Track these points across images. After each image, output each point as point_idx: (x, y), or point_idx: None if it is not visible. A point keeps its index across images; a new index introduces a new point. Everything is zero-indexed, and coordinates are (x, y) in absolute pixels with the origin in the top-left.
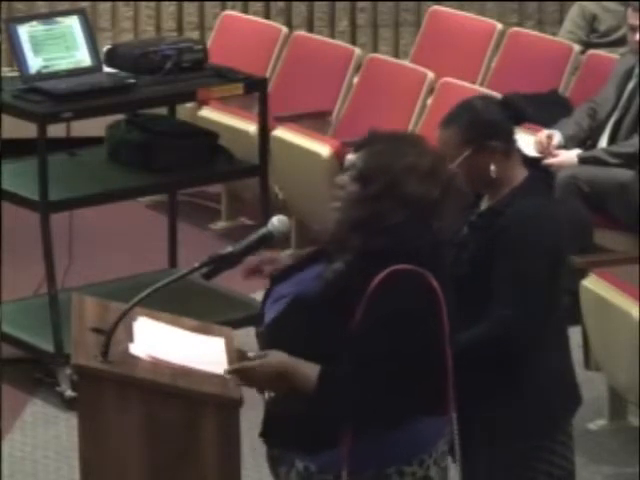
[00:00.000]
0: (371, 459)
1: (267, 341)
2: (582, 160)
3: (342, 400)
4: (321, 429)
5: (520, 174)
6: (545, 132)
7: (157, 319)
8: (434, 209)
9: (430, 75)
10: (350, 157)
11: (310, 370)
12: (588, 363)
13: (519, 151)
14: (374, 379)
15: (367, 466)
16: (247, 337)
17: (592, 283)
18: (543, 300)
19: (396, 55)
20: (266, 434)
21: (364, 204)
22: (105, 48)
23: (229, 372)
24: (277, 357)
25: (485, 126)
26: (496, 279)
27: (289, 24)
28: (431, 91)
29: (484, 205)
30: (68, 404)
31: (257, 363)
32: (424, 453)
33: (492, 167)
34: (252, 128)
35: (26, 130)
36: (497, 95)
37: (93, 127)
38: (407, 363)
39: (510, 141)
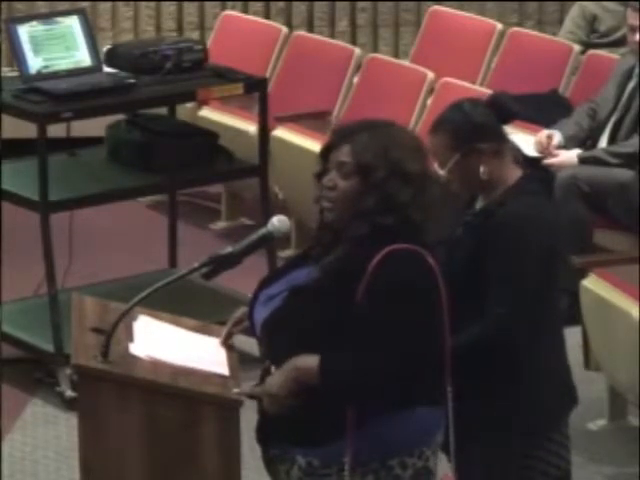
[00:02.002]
0: (375, 451)
1: (268, 335)
2: (582, 160)
3: (347, 383)
4: (324, 422)
5: (514, 174)
6: (545, 132)
7: (157, 319)
8: (429, 182)
9: (430, 75)
10: (334, 156)
11: (310, 361)
12: (588, 363)
13: (514, 150)
14: (376, 359)
15: (371, 458)
16: (247, 337)
17: (592, 283)
18: (536, 299)
19: (396, 55)
20: (263, 435)
21: (372, 192)
22: (105, 48)
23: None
24: (277, 378)
25: (472, 129)
26: (489, 278)
27: (289, 24)
28: (431, 91)
29: (479, 205)
30: (68, 404)
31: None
32: (424, 445)
33: (482, 169)
34: (252, 128)
35: (26, 130)
36: None
37: (93, 127)
38: (409, 340)
39: (500, 141)
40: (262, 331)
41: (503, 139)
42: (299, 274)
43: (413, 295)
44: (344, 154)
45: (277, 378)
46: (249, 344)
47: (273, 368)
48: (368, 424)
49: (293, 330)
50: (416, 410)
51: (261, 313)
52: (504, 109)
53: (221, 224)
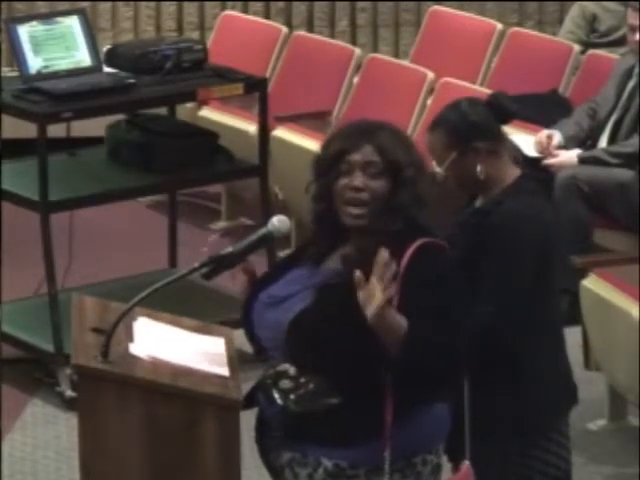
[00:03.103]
0: (403, 450)
1: (297, 336)
2: (582, 160)
3: (428, 356)
4: (354, 424)
5: (511, 173)
6: (545, 132)
7: (157, 319)
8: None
9: (430, 75)
10: (356, 157)
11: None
12: (588, 363)
13: (514, 150)
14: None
15: (400, 457)
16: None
17: (592, 283)
18: (532, 299)
19: (396, 55)
20: (281, 437)
21: (404, 188)
22: (105, 48)
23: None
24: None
25: (469, 128)
26: (481, 277)
27: (289, 24)
28: (431, 91)
29: (477, 205)
30: (68, 404)
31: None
32: (440, 441)
33: (479, 168)
34: (252, 128)
35: (26, 130)
36: None
37: (93, 127)
38: (446, 331)
39: (497, 140)
40: (290, 332)
41: (500, 139)
42: (297, 275)
43: (445, 286)
44: (368, 154)
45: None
46: (249, 344)
47: (293, 370)
48: (397, 423)
49: (329, 327)
50: (436, 406)
51: (272, 315)
52: (503, 109)
53: (221, 224)
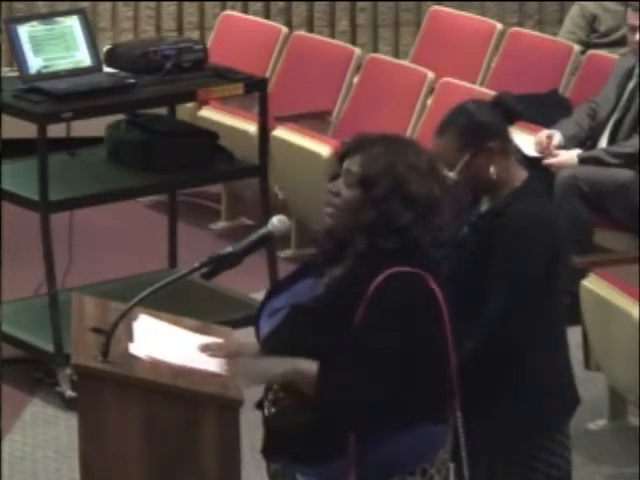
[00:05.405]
0: (375, 469)
1: (267, 352)
2: (582, 160)
3: (345, 399)
4: (324, 441)
5: (520, 174)
6: (545, 132)
7: (157, 319)
8: (437, 207)
9: (430, 75)
10: (346, 164)
11: (313, 370)
12: (588, 363)
13: (518, 152)
14: (374, 377)
15: (371, 477)
16: (247, 337)
17: (592, 283)
18: (534, 299)
19: (396, 55)
20: (267, 449)
21: (371, 207)
22: (105, 48)
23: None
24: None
25: (480, 128)
26: (493, 277)
27: (289, 24)
28: (431, 91)
29: (484, 206)
30: (68, 404)
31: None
32: (426, 462)
33: (492, 168)
34: (252, 128)
35: (26, 130)
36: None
37: (93, 127)
38: (407, 362)
39: (506, 141)
40: (262, 347)
41: (509, 139)
42: (302, 287)
43: (412, 318)
44: (354, 163)
45: (275, 367)
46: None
47: (275, 384)
48: (367, 443)
49: (292, 349)
50: (416, 429)
51: (264, 326)
52: (508, 109)
53: (221, 224)
